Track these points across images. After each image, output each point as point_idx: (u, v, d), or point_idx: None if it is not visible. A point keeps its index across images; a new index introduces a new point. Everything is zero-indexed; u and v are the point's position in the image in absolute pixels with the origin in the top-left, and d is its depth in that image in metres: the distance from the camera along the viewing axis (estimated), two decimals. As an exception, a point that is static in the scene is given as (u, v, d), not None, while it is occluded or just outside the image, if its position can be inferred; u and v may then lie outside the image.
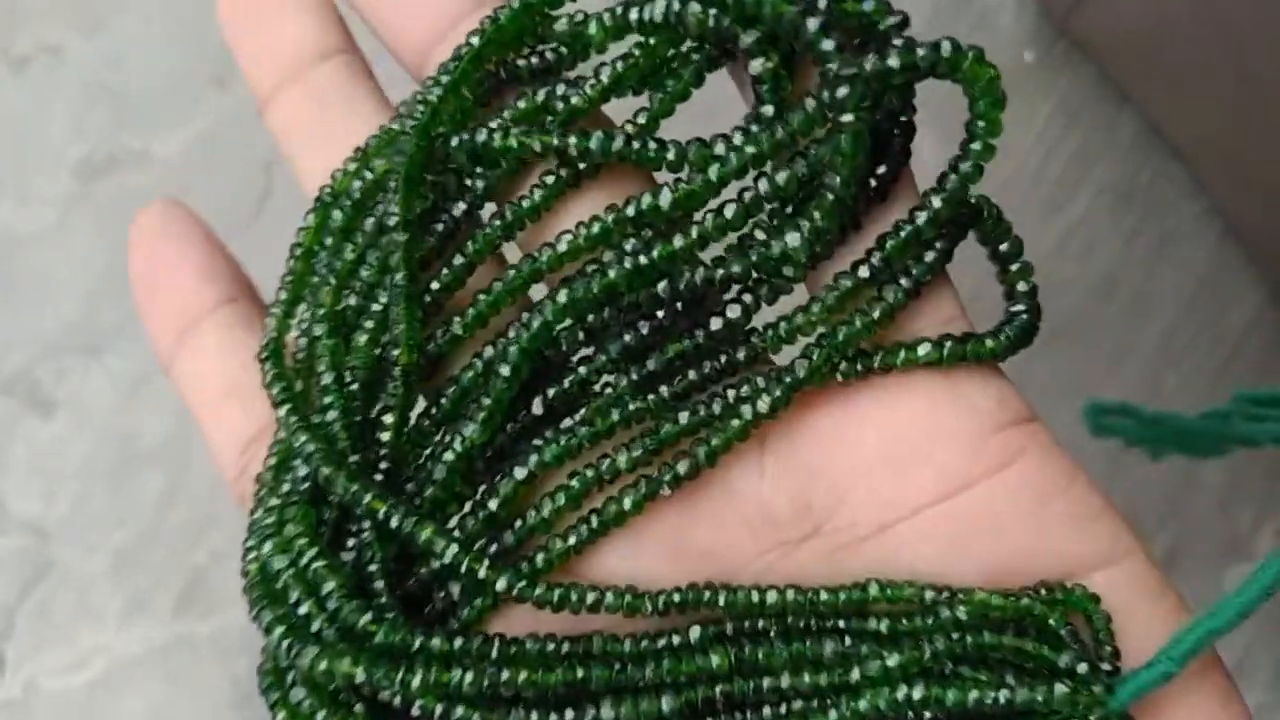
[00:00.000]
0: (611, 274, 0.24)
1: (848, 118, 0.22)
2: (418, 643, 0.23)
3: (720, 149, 0.24)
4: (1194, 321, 0.57)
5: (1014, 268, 0.24)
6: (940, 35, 0.23)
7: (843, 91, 0.22)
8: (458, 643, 0.23)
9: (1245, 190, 0.55)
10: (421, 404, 0.26)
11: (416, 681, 0.22)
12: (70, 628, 0.54)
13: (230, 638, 0.54)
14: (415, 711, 0.23)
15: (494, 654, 0.23)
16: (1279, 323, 0.57)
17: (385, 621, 0.23)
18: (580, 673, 0.23)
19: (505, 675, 0.23)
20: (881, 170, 0.24)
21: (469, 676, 0.23)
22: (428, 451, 0.25)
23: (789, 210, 0.24)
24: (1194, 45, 0.51)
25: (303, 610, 0.23)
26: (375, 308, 0.26)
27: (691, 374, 0.24)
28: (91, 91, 0.60)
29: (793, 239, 0.23)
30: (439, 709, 0.23)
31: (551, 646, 0.23)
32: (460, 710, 0.23)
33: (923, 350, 0.23)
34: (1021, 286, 0.24)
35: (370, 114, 0.28)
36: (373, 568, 0.24)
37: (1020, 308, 0.24)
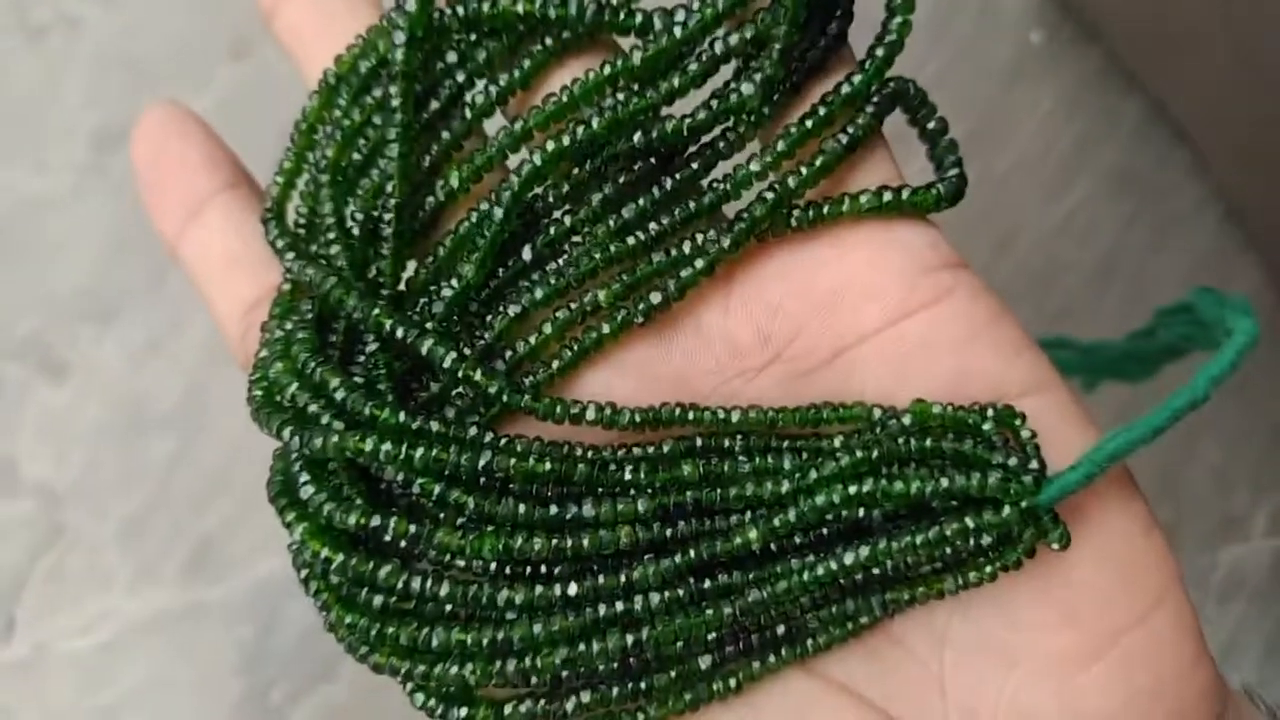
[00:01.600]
0: (594, 124, 0.26)
1: None
2: (417, 424, 0.25)
3: (680, 15, 0.27)
4: (1194, 305, 0.57)
5: (942, 142, 0.27)
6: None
7: None
8: (454, 429, 0.25)
9: (1248, 171, 0.55)
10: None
11: (419, 455, 0.24)
12: (80, 591, 0.55)
13: (238, 604, 0.55)
14: (415, 490, 0.25)
15: (487, 440, 0.25)
16: (1277, 305, 0.58)
17: (388, 406, 0.25)
18: (565, 467, 0.25)
19: (499, 460, 0.25)
20: (821, 39, 0.27)
21: (465, 456, 0.25)
22: (424, 300, 0.27)
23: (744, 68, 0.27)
24: (1197, 26, 0.51)
25: (311, 409, 0.25)
26: (377, 171, 0.28)
27: (664, 220, 0.27)
28: (108, 61, 0.60)
29: (747, 88, 0.26)
30: (437, 489, 0.25)
31: (539, 444, 0.25)
32: (456, 492, 0.25)
33: (865, 199, 0.26)
34: (950, 157, 0.27)
35: (370, 17, 0.30)
36: (378, 372, 0.26)
37: (951, 171, 0.26)
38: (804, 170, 0.26)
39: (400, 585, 0.25)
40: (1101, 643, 0.24)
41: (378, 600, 0.25)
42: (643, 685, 0.25)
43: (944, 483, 0.24)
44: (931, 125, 0.27)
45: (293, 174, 0.30)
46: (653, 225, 0.27)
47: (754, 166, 0.27)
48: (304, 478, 0.25)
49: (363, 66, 0.29)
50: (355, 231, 0.28)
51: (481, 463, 0.25)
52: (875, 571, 0.25)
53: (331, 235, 0.28)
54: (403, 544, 0.25)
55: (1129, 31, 0.58)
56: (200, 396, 0.57)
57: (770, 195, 0.26)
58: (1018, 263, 0.56)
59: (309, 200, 0.29)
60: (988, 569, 0.24)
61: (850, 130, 0.26)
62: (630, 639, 0.25)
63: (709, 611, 0.25)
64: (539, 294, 0.27)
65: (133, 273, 0.58)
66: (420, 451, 0.24)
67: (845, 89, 0.26)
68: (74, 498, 0.56)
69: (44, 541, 0.55)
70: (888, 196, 0.26)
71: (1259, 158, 0.54)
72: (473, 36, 0.28)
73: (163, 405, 0.57)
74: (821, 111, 0.26)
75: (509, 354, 0.27)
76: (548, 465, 0.25)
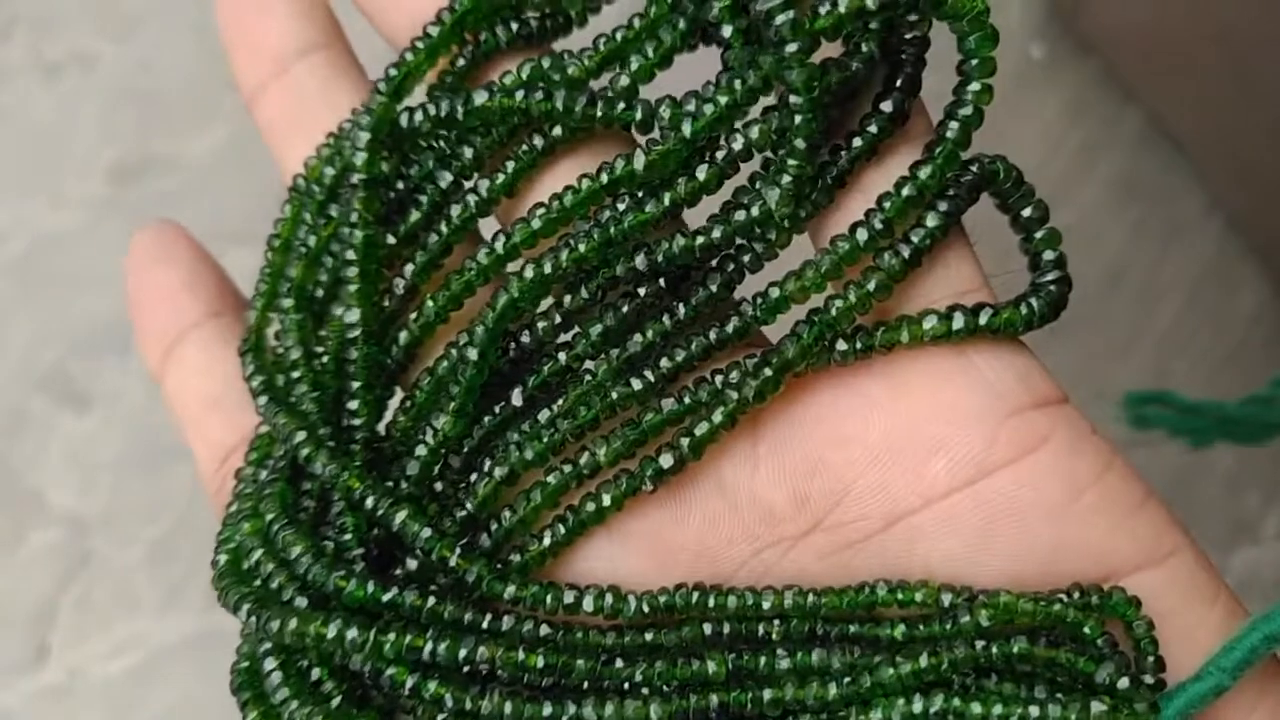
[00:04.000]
0: (581, 246, 0.22)
1: (790, 48, 0.20)
2: (389, 597, 0.21)
3: (691, 105, 0.22)
4: (1200, 311, 0.57)
5: (1039, 235, 0.22)
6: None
7: (779, 20, 0.20)
8: (430, 602, 0.21)
9: (1244, 183, 0.56)
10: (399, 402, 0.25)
11: (389, 642, 0.21)
12: (109, 617, 0.55)
13: (264, 625, 0.55)
14: (385, 683, 0.21)
15: (467, 621, 0.21)
16: (1282, 310, 0.58)
17: (354, 576, 0.22)
18: (564, 659, 0.21)
19: (483, 650, 0.21)
20: (873, 118, 0.22)
21: (443, 645, 0.21)
22: (406, 449, 0.24)
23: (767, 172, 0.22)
24: (1193, 41, 0.52)
25: (274, 583, 0.22)
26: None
27: (678, 355, 0.22)
28: (122, 97, 0.61)
29: (771, 195, 0.21)
30: (410, 680, 0.21)
31: (530, 628, 0.22)
32: (433, 685, 0.21)
33: (929, 323, 0.21)
34: (1048, 255, 0.22)
35: (348, 106, 0.27)
36: (346, 536, 0.23)
37: (1048, 277, 0.22)
38: (852, 294, 0.21)
39: None
40: None
41: None
42: None
43: (1034, 710, 0.19)
44: (1027, 213, 0.22)
45: (269, 296, 0.26)
46: (663, 361, 0.22)
47: (790, 287, 0.22)
48: (270, 665, 0.22)
49: (328, 174, 0.25)
50: (324, 370, 0.24)
51: (462, 653, 0.21)
52: None
53: (297, 374, 0.24)
54: None
55: (1125, 47, 0.58)
56: (222, 423, 0.57)
57: (807, 330, 0.21)
58: (1022, 273, 0.56)
59: (281, 332, 0.26)
60: None
61: (914, 238, 0.21)
62: None
63: None
64: (529, 453, 0.22)
65: (153, 303, 0.59)
66: (391, 638, 0.21)
67: (906, 189, 0.21)
68: (101, 525, 0.56)
69: (73, 569, 0.56)
70: (960, 321, 0.21)
71: (1256, 170, 0.54)
72: (453, 135, 0.24)
73: (185, 433, 0.57)
74: (876, 222, 0.21)
75: (494, 525, 0.23)
76: (540, 660, 0.21)
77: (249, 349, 0.26)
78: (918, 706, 0.20)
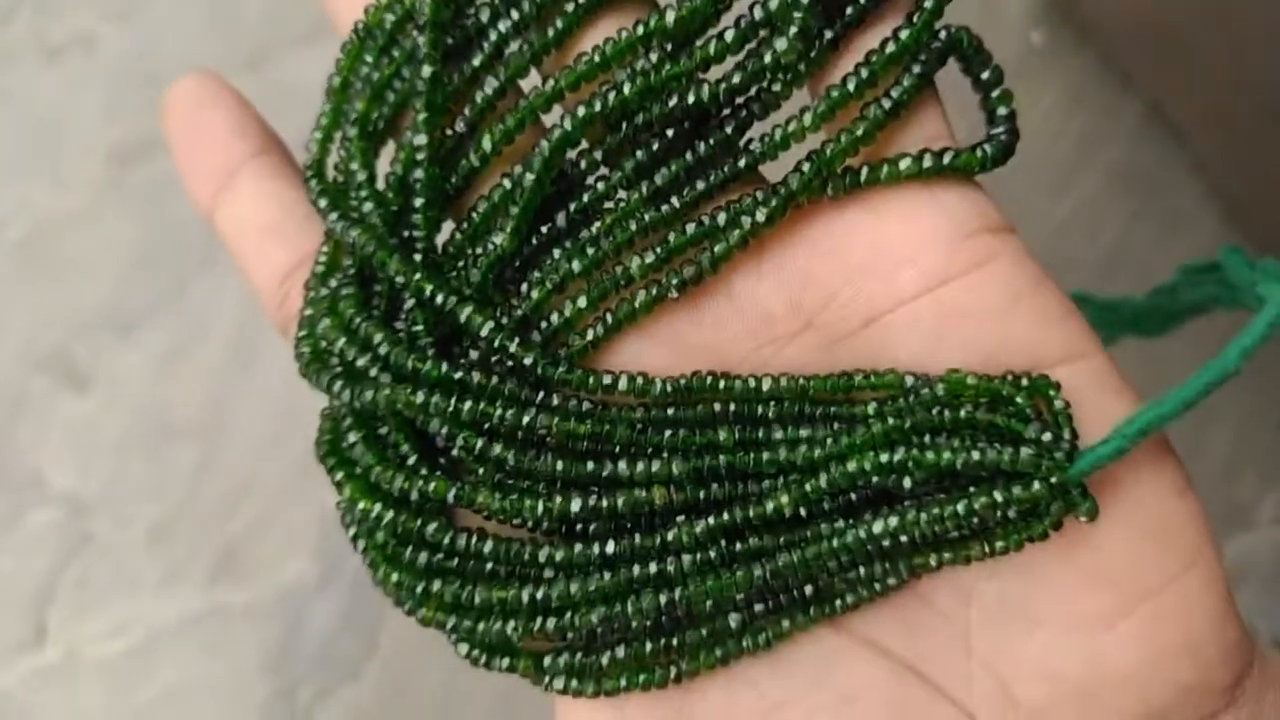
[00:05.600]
0: (625, 90, 0.26)
1: None
2: (460, 375, 0.25)
3: None
4: (1197, 299, 0.58)
5: (995, 94, 0.26)
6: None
7: None
8: (496, 383, 0.26)
9: (1243, 173, 0.56)
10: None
11: (466, 409, 0.25)
12: (108, 597, 0.56)
13: (264, 606, 0.56)
14: (457, 446, 0.25)
15: (523, 397, 0.26)
16: (1280, 298, 0.58)
17: (431, 360, 0.26)
18: (605, 427, 0.25)
19: (541, 418, 0.25)
20: None
21: (509, 413, 0.25)
22: (460, 264, 0.27)
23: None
24: (1192, 30, 0.52)
25: (359, 363, 0.26)
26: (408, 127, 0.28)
27: (698, 185, 0.26)
28: (124, 78, 0.61)
29: (781, 43, 0.25)
30: (479, 444, 0.25)
31: (575, 404, 0.26)
32: (498, 448, 0.25)
33: (904, 164, 0.25)
34: (1002, 110, 0.26)
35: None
36: (417, 327, 0.27)
37: (1000, 129, 0.25)
38: (843, 138, 0.25)
39: (445, 542, 0.26)
40: (1129, 603, 0.24)
41: (423, 558, 0.26)
42: (675, 641, 0.26)
43: (975, 455, 0.24)
44: (985, 75, 0.26)
45: (330, 130, 0.30)
46: (686, 190, 0.26)
47: (791, 128, 0.26)
48: (352, 435, 0.26)
49: (388, 19, 0.28)
50: (389, 189, 0.28)
51: (525, 421, 0.25)
52: (903, 539, 0.25)
53: (364, 194, 0.28)
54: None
55: (1124, 34, 0.59)
56: (222, 403, 0.58)
57: (807, 166, 0.25)
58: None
59: (343, 154, 0.29)
60: (1014, 538, 0.24)
61: (894, 94, 0.25)
62: (663, 598, 0.25)
63: (740, 573, 0.25)
64: (575, 265, 0.27)
65: (153, 284, 0.59)
66: (468, 405, 0.25)
67: (890, 47, 0.25)
68: (101, 506, 0.57)
69: (72, 549, 0.56)
70: (928, 161, 0.25)
71: (1254, 160, 0.54)
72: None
73: (185, 413, 0.58)
74: (864, 73, 0.25)
75: (544, 325, 0.27)
76: (588, 425, 0.25)
77: (314, 174, 0.29)
78: (884, 457, 0.24)
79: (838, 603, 0.26)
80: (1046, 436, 0.23)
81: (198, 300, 0.59)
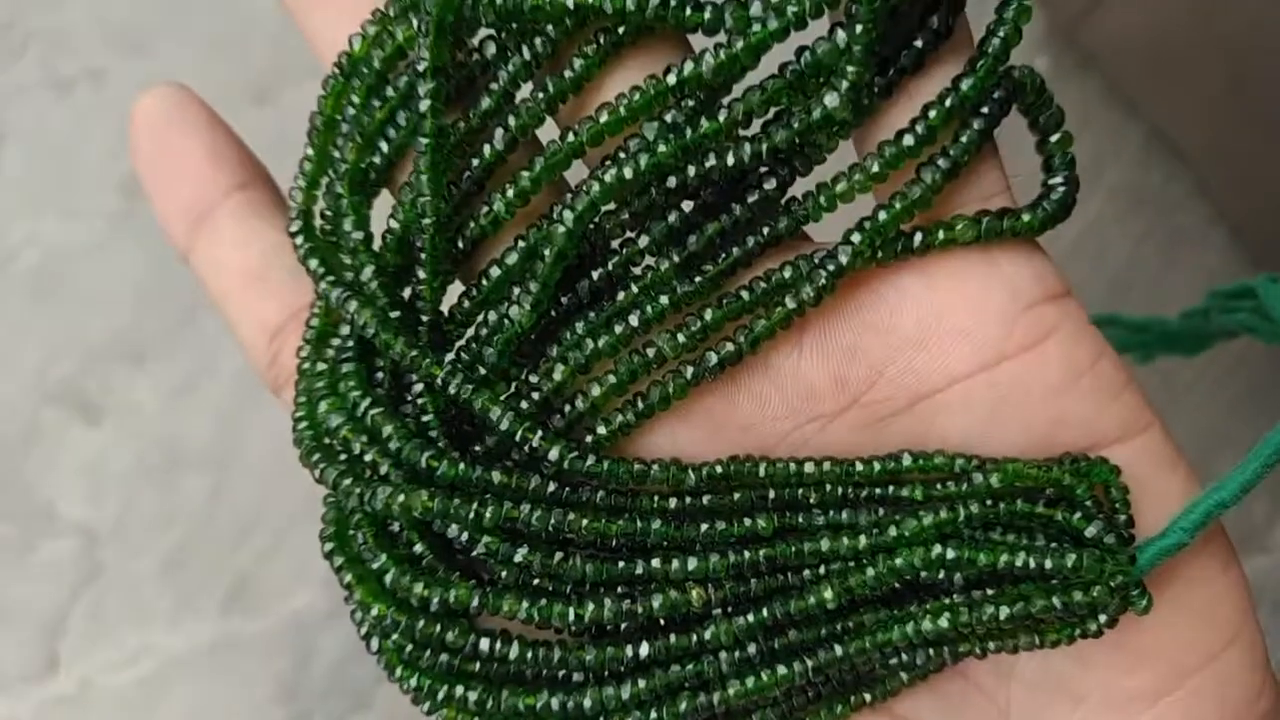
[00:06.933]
0: (661, 150, 0.23)
1: None
2: (478, 474, 0.23)
3: (756, 8, 0.22)
4: (1205, 320, 0.58)
5: (1053, 139, 0.24)
6: None
7: None
8: (517, 480, 0.24)
9: (1248, 194, 0.56)
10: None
11: (488, 515, 0.23)
12: (120, 627, 0.56)
13: (274, 636, 0.56)
14: (479, 550, 0.24)
15: (549, 494, 0.24)
16: (1288, 319, 0.58)
17: (445, 457, 0.24)
18: (638, 524, 0.24)
19: (570, 519, 0.23)
20: (920, 33, 0.23)
21: (535, 515, 0.23)
22: (470, 332, 0.25)
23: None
24: (1196, 54, 0.52)
25: (367, 457, 0.24)
26: (408, 185, 0.25)
27: (734, 250, 0.24)
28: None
29: (831, 99, 0.22)
30: (502, 549, 0.24)
31: (603, 497, 0.24)
32: (523, 551, 0.24)
33: (960, 228, 0.23)
34: (1059, 159, 0.24)
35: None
36: (427, 417, 0.25)
37: (1058, 180, 0.23)
38: (898, 203, 0.23)
39: (467, 647, 0.24)
40: (1171, 682, 0.23)
41: (443, 660, 0.24)
42: None
43: (1033, 561, 0.22)
44: (1044, 119, 0.23)
45: (315, 175, 0.27)
46: (722, 256, 0.24)
47: (840, 188, 0.23)
48: (363, 539, 0.24)
49: (375, 58, 0.25)
50: (386, 247, 0.26)
51: (552, 523, 0.23)
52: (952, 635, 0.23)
53: (362, 259, 0.25)
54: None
55: (1128, 60, 0.59)
56: (232, 434, 0.58)
57: (858, 237, 0.23)
58: (1031, 176, 0.56)
59: (332, 205, 0.27)
60: (1066, 633, 0.23)
61: (953, 152, 0.23)
62: (701, 699, 0.24)
63: (781, 671, 0.24)
64: (604, 344, 0.24)
65: (163, 315, 0.59)
66: (490, 510, 0.23)
67: (950, 99, 0.22)
68: (112, 536, 0.57)
69: (84, 579, 0.56)
70: (986, 224, 0.23)
71: (1259, 181, 0.54)
72: (514, 27, 0.24)
73: (196, 444, 0.58)
74: (921, 129, 0.22)
75: (567, 409, 0.25)
76: (620, 524, 0.24)
77: (300, 230, 0.27)
78: (934, 553, 0.22)
79: (879, 688, 0.25)
80: (1109, 539, 0.22)
81: (209, 331, 0.59)
